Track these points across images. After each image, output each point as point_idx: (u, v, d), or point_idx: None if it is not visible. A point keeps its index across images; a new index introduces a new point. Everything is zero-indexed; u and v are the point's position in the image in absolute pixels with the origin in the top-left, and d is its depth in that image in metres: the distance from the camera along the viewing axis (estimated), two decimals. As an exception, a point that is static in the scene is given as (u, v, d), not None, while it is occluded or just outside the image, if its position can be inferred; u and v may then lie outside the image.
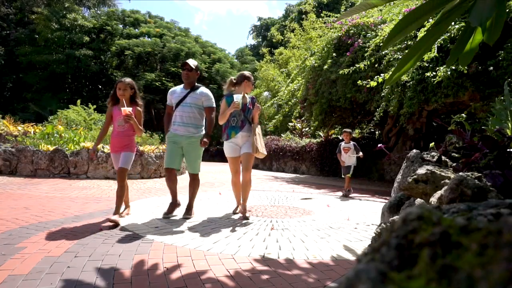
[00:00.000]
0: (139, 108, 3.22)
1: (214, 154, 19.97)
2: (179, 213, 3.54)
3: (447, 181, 1.27)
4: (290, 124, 14.09)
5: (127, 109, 3.01)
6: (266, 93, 18.99)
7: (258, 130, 3.48)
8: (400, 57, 5.90)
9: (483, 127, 2.11)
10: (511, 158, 1.28)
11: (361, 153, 5.52)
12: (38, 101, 19.22)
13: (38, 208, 3.48)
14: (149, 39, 22.63)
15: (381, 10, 7.39)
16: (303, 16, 17.40)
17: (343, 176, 5.73)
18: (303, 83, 9.07)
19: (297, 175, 10.73)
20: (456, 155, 1.65)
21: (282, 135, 14.10)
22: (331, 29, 8.70)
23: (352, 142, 5.65)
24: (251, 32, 36.77)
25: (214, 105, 3.48)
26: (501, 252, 0.28)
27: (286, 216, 3.67)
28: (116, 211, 2.99)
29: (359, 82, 6.21)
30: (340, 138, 5.94)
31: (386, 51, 6.08)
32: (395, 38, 1.14)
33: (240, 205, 3.66)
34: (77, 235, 2.55)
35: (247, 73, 3.56)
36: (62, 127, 8.76)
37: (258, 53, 28.79)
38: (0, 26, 21.21)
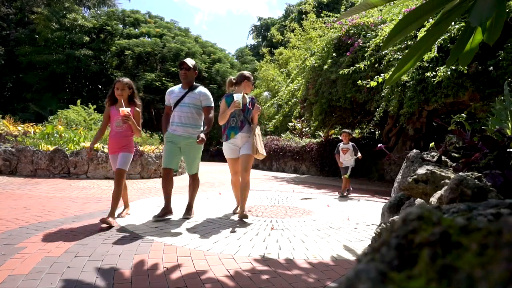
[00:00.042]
0: (137, 109, 3.17)
1: (214, 154, 19.98)
2: (178, 213, 3.54)
3: (447, 181, 1.27)
4: (290, 124, 14.09)
5: (125, 110, 2.96)
6: (266, 93, 19.00)
7: (258, 131, 3.44)
8: (400, 57, 5.90)
9: (483, 127, 2.11)
10: (511, 158, 1.28)
11: (359, 154, 5.43)
12: (38, 101, 19.23)
13: (38, 208, 3.48)
14: (149, 39, 22.64)
15: (381, 10, 7.39)
16: (303, 16, 17.41)
17: (342, 177, 5.67)
18: (303, 83, 9.07)
19: (297, 175, 10.73)
20: (456, 155, 1.65)
21: (282, 135, 14.11)
22: (331, 29, 8.70)
23: (351, 143, 5.57)
24: (251, 32, 36.80)
25: (213, 105, 3.43)
26: (501, 252, 0.28)
27: (286, 216, 3.67)
28: (111, 213, 2.92)
29: (359, 82, 6.21)
30: (340, 138, 5.86)
31: (386, 51, 6.09)
32: (395, 38, 1.14)
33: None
34: (77, 235, 2.55)
35: (246, 73, 3.53)
36: (62, 127, 8.76)
37: (258, 53, 28.80)
38: (0, 26, 21.21)
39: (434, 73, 5.27)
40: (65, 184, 5.52)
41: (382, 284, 0.30)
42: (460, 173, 1.07)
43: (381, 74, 5.60)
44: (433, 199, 1.17)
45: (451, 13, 1.09)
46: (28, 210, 3.39)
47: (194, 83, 3.46)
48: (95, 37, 22.66)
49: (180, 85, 3.48)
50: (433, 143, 2.04)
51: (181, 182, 6.59)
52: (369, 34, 7.19)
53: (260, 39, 34.94)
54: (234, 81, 3.53)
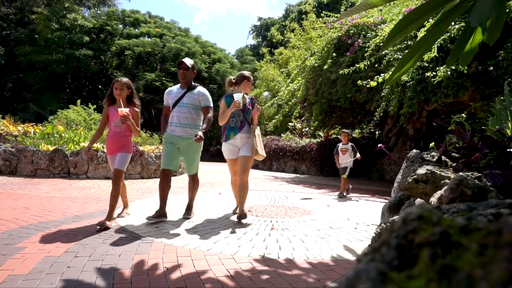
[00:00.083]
0: (136, 109, 3.14)
1: (214, 154, 19.99)
2: (178, 213, 3.54)
3: (447, 181, 1.27)
4: (290, 124, 14.09)
5: (124, 110, 2.92)
6: (266, 93, 19.00)
7: (258, 131, 3.40)
8: (400, 57, 5.90)
9: (483, 127, 2.11)
10: (511, 158, 1.28)
11: (358, 155, 5.37)
12: (38, 101, 19.23)
13: (38, 208, 3.48)
14: (149, 39, 22.64)
15: (381, 10, 7.39)
16: (303, 16, 17.41)
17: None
18: (303, 83, 9.07)
19: (297, 175, 10.73)
20: (456, 155, 1.66)
21: (282, 135, 14.11)
22: (331, 29, 8.70)
23: (350, 144, 5.51)
24: (251, 32, 36.79)
25: (212, 105, 3.39)
26: (501, 252, 0.28)
27: (286, 216, 3.67)
28: (109, 215, 2.89)
29: (359, 82, 6.21)
30: (340, 138, 5.81)
31: (386, 51, 6.09)
32: (395, 38, 1.14)
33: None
34: (77, 235, 2.55)
35: (246, 73, 3.50)
36: (62, 127, 8.76)
37: (258, 53, 28.79)
38: (0, 26, 21.21)
39: (434, 73, 5.27)
40: (65, 184, 5.52)
41: (382, 284, 0.30)
42: (460, 173, 1.07)
43: (381, 74, 5.60)
44: (433, 199, 1.17)
45: (451, 13, 1.09)
46: (28, 210, 3.39)
47: (193, 83, 3.42)
48: (95, 37, 22.66)
49: (178, 85, 3.44)
50: (433, 143, 2.04)
51: (181, 182, 6.59)
52: (369, 34, 7.19)
53: (260, 39, 34.94)
54: (233, 81, 3.50)
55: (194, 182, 3.46)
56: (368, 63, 6.24)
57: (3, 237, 2.41)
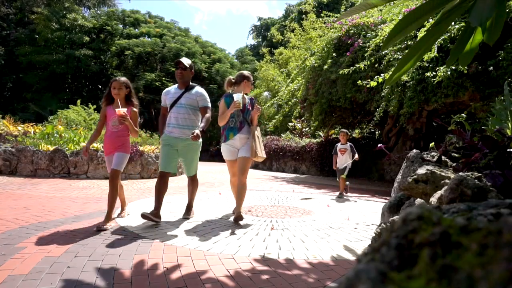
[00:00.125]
0: (134, 109, 3.08)
1: (214, 154, 19.99)
2: (178, 213, 3.54)
3: (447, 181, 1.27)
4: (290, 124, 14.10)
5: (121, 110, 2.87)
6: (266, 93, 19.00)
7: (258, 132, 3.35)
8: (400, 57, 5.90)
9: (483, 127, 2.11)
10: (511, 158, 1.28)
11: (356, 156, 5.31)
12: (38, 101, 19.24)
13: (38, 208, 3.48)
14: (149, 39, 22.65)
15: (381, 10, 7.40)
16: (303, 16, 17.41)
17: (338, 179, 5.51)
18: (303, 83, 9.07)
19: (297, 175, 10.73)
20: (456, 155, 1.66)
21: (282, 135, 14.11)
22: (331, 29, 8.70)
23: (348, 143, 5.47)
24: (251, 32, 36.80)
25: (210, 105, 3.34)
26: (501, 252, 0.28)
27: (286, 216, 3.67)
28: (108, 216, 2.87)
29: (359, 82, 6.21)
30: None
31: (386, 51, 6.09)
32: (395, 38, 1.14)
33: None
34: (77, 235, 2.55)
35: (246, 72, 3.46)
36: (62, 127, 8.77)
37: (258, 53, 28.80)
38: (0, 26, 21.21)
39: (434, 73, 5.27)
40: (65, 184, 5.52)
41: (382, 284, 0.30)
42: (460, 173, 1.07)
43: (381, 74, 5.60)
44: (433, 199, 1.17)
45: (451, 13, 1.09)
46: (28, 210, 3.39)
47: (191, 83, 3.37)
48: (95, 37, 22.67)
49: (176, 85, 3.38)
50: (433, 143, 2.04)
51: (181, 182, 6.59)
52: (369, 34, 7.20)
53: (260, 39, 34.94)
54: (233, 81, 3.45)
55: (193, 183, 3.44)
56: (368, 63, 6.24)
57: (3, 237, 2.41)
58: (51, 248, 2.21)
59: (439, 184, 1.29)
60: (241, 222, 3.22)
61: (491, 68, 4.93)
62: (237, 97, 3.16)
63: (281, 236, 2.77)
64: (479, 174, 1.09)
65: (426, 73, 5.45)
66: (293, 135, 13.58)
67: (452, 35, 5.10)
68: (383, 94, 6.35)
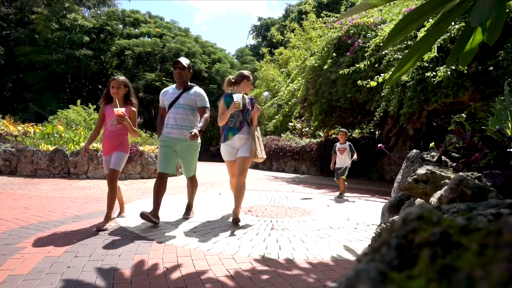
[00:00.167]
0: (133, 109, 3.03)
1: (214, 154, 20.00)
2: (178, 213, 3.54)
3: (447, 181, 1.27)
4: (290, 124, 14.09)
5: (120, 110, 2.83)
6: (266, 93, 19.00)
7: (257, 133, 3.32)
8: (400, 57, 5.90)
9: (483, 127, 2.11)
10: (511, 158, 1.28)
11: (355, 156, 5.28)
12: (38, 101, 19.24)
13: (38, 208, 3.48)
14: (149, 39, 22.65)
15: (381, 10, 7.40)
16: (303, 16, 17.41)
17: (335, 179, 5.46)
18: (303, 83, 9.07)
19: (297, 175, 10.73)
20: (456, 155, 1.66)
21: (282, 135, 14.11)
22: (331, 29, 8.70)
23: (347, 143, 5.44)
24: (251, 32, 36.78)
25: (208, 105, 3.31)
26: (501, 252, 0.28)
27: (286, 216, 3.67)
28: (107, 216, 2.86)
29: (359, 82, 6.21)
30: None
31: (386, 51, 6.09)
32: (395, 38, 1.14)
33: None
34: (77, 235, 2.55)
35: (246, 72, 3.42)
36: (62, 127, 8.77)
37: (258, 53, 28.80)
38: (0, 26, 21.21)
39: (434, 73, 5.27)
40: (65, 184, 5.52)
41: (382, 284, 0.30)
42: (460, 173, 1.07)
43: (381, 74, 5.60)
44: (433, 199, 1.17)
45: (451, 13, 1.09)
46: (28, 210, 3.39)
47: (189, 83, 3.33)
48: (95, 37, 22.67)
49: (174, 86, 3.34)
50: (433, 143, 2.04)
51: (180, 182, 6.59)
52: (369, 34, 7.20)
53: (260, 39, 34.94)
54: (233, 80, 3.41)
55: (192, 184, 3.43)
56: (368, 63, 6.24)
57: (3, 237, 2.41)
58: (51, 248, 2.21)
59: (439, 184, 1.29)
60: (243, 222, 3.24)
61: (491, 68, 4.93)
62: (237, 97, 3.13)
63: (281, 236, 2.77)
64: (479, 174, 1.09)
65: (426, 73, 5.45)
66: (293, 135, 13.58)
67: (452, 35, 5.10)
68: (383, 94, 6.35)
